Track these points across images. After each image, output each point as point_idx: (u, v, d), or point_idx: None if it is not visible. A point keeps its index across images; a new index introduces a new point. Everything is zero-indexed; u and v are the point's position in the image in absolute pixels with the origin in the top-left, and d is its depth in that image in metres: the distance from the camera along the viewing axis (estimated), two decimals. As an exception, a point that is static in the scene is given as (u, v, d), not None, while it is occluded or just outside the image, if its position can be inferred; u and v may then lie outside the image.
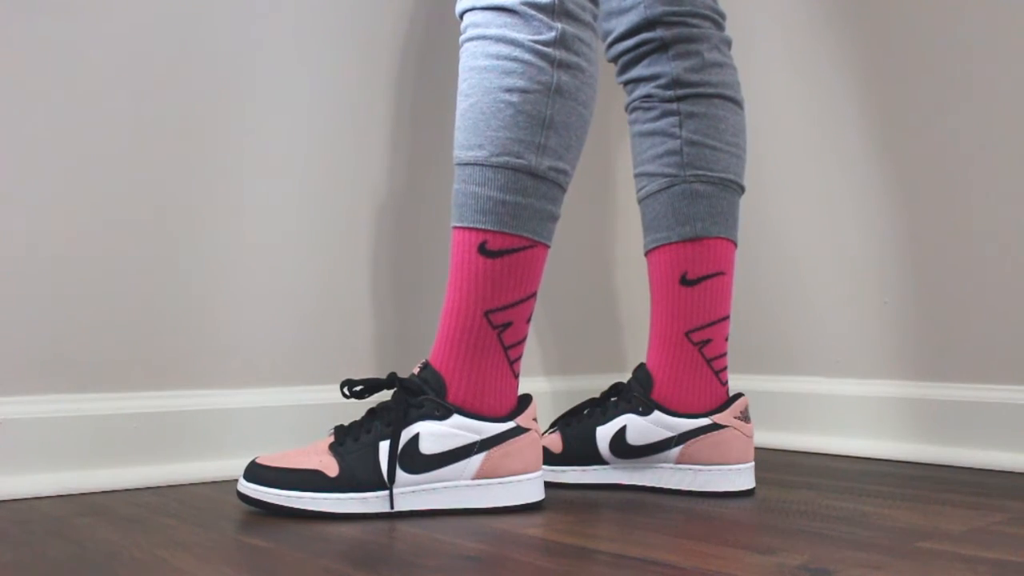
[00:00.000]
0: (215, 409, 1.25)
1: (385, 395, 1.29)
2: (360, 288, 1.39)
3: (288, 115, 1.34)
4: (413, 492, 1.00)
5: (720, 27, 1.19)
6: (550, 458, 1.18)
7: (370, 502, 0.99)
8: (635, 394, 1.15)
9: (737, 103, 1.19)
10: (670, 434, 1.13)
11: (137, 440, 1.19)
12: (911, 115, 1.42)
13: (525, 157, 1.00)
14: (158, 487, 1.18)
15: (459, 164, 1.02)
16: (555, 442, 1.18)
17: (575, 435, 1.17)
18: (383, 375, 1.40)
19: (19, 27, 1.15)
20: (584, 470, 1.17)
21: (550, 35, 1.00)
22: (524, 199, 1.00)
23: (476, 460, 1.01)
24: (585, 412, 1.19)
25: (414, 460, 1.00)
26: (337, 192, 1.38)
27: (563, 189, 1.04)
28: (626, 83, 1.22)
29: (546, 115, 1.00)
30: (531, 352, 1.59)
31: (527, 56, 1.00)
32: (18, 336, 1.14)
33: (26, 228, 1.15)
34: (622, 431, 1.14)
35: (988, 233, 1.34)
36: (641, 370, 1.18)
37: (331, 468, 1.00)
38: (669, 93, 1.17)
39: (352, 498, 0.99)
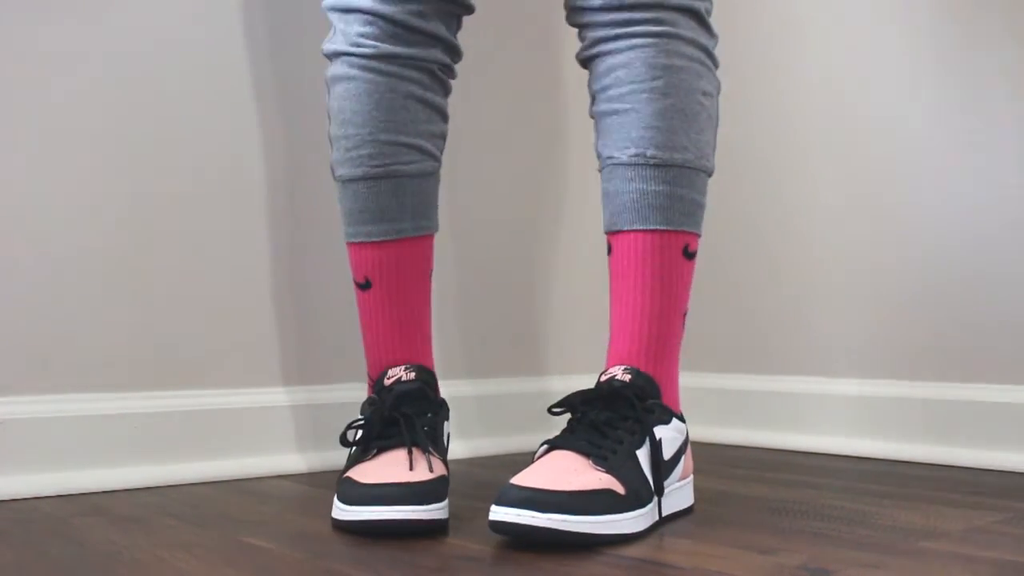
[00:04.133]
0: (215, 409, 1.25)
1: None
2: (360, 288, 1.39)
3: (284, 115, 1.34)
4: (664, 499, 0.97)
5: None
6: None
7: (648, 515, 0.92)
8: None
9: None
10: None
11: (137, 440, 1.19)
12: (911, 112, 1.42)
13: (711, 160, 1.03)
14: (158, 487, 1.18)
15: (659, 165, 0.98)
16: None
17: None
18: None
19: (21, 26, 1.15)
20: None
21: (714, 41, 1.03)
22: (705, 199, 1.03)
23: (683, 461, 1.01)
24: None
25: (660, 466, 0.95)
26: (337, 192, 1.38)
27: None
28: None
29: (718, 118, 1.04)
30: (511, 352, 1.59)
31: (708, 61, 1.03)
32: (18, 336, 1.14)
33: (26, 228, 1.15)
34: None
35: (988, 233, 1.34)
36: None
37: (616, 485, 0.89)
38: None
39: (642, 514, 0.91)
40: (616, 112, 1.00)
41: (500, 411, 1.48)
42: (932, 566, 0.79)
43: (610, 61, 1.00)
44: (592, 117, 1.04)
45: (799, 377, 1.54)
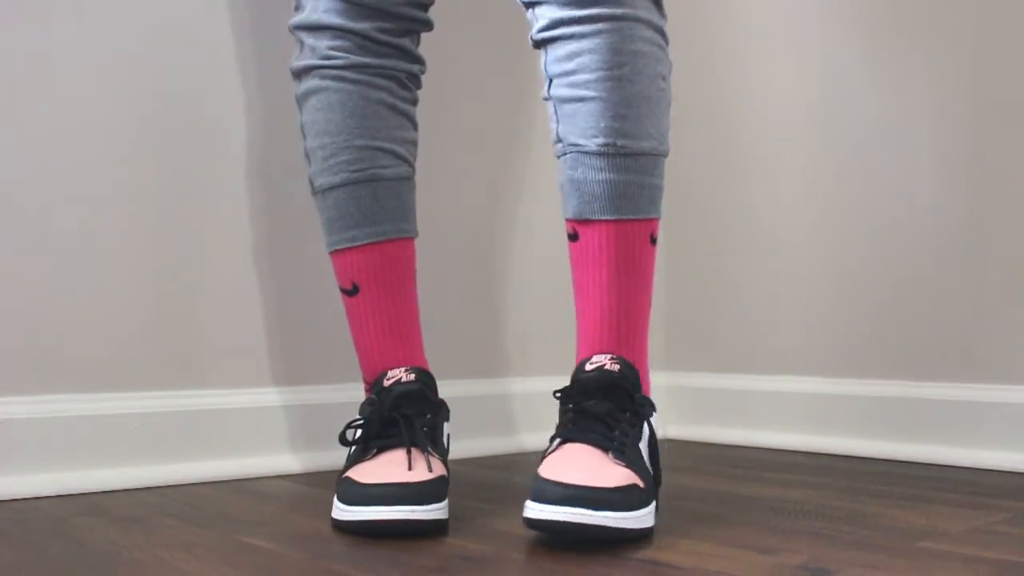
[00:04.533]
0: (215, 409, 1.25)
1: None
2: (360, 288, 1.39)
3: (283, 116, 1.34)
4: None
5: None
6: None
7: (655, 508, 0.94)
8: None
9: None
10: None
11: (137, 440, 1.19)
12: (911, 108, 1.42)
13: (668, 143, 1.02)
14: (158, 487, 1.18)
15: (629, 154, 0.98)
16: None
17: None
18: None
19: (21, 26, 1.15)
20: None
21: (665, 20, 1.02)
22: (664, 182, 1.02)
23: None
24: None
25: (657, 458, 0.97)
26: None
27: None
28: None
29: (672, 100, 1.03)
30: (510, 352, 1.59)
31: (664, 43, 1.01)
32: (18, 336, 1.14)
33: (26, 228, 1.15)
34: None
35: (988, 232, 1.34)
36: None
37: (636, 479, 0.89)
38: None
39: (655, 506, 0.92)
40: (582, 99, 0.98)
41: (499, 411, 1.48)
42: (932, 566, 0.79)
43: (572, 46, 0.97)
44: (548, 99, 1.01)
45: (799, 377, 1.54)
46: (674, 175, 1.55)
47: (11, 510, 1.04)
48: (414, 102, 1.11)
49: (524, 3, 1.00)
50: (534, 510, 0.84)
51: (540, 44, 1.00)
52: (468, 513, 1.01)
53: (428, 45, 1.15)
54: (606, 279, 0.99)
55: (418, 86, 1.12)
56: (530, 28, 1.01)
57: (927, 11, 1.40)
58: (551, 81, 1.00)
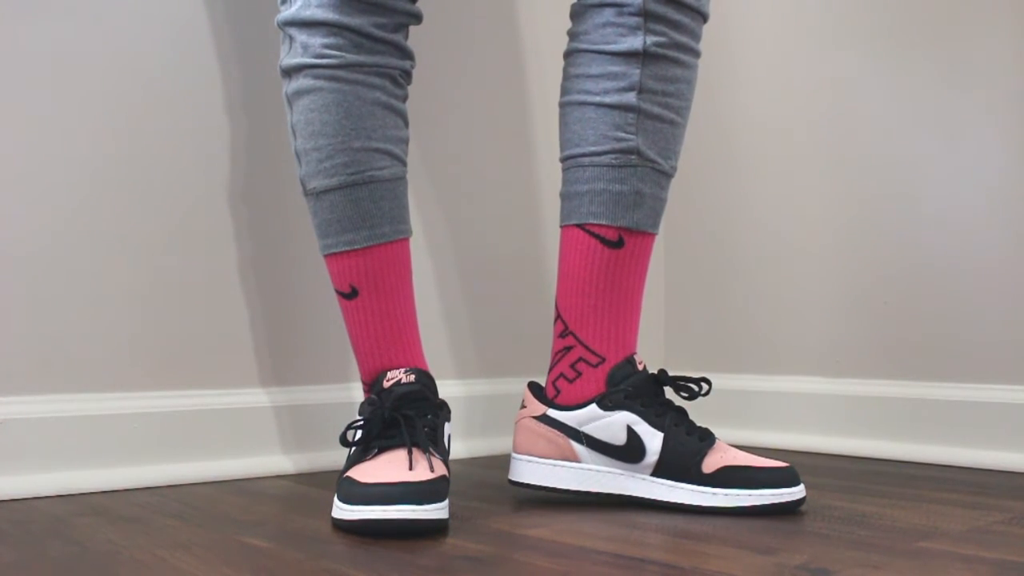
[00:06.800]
0: (215, 409, 1.25)
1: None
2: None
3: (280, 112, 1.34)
4: None
5: None
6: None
7: None
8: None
9: None
10: None
11: (137, 440, 1.19)
12: (913, 110, 1.42)
13: None
14: (158, 487, 1.18)
15: (671, 176, 1.09)
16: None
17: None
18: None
19: (20, 26, 1.15)
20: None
21: None
22: None
23: None
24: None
25: None
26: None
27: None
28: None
29: None
30: (511, 352, 1.59)
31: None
32: (18, 336, 1.14)
33: (26, 228, 1.15)
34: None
35: (989, 233, 1.34)
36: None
37: None
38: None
39: None
40: (672, 122, 1.07)
41: (500, 411, 1.48)
42: (932, 566, 0.79)
43: (677, 70, 1.06)
44: (631, 108, 1.05)
45: (799, 377, 1.54)
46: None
47: (11, 510, 1.04)
48: (406, 99, 1.11)
49: (637, 12, 1.04)
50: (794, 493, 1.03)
51: (640, 55, 1.05)
52: (468, 513, 1.01)
53: (417, 40, 1.15)
54: (642, 285, 1.09)
55: (409, 82, 1.11)
56: (623, 34, 1.05)
57: (933, 10, 1.40)
58: (640, 92, 1.05)
